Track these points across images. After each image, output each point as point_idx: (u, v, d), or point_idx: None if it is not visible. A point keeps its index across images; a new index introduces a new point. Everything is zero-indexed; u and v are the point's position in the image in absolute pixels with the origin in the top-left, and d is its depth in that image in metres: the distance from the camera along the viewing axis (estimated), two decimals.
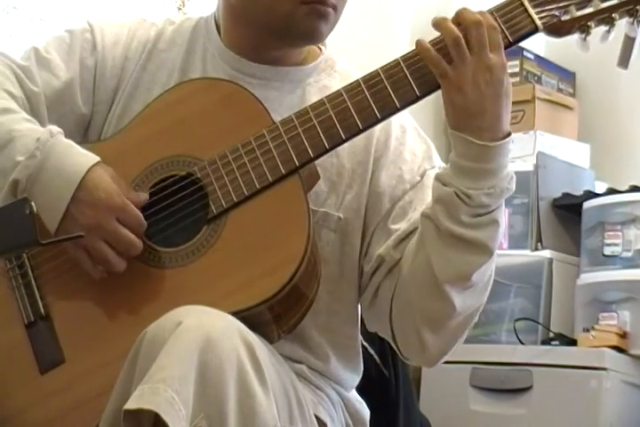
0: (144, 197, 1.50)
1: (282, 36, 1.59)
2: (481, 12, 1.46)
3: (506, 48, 1.47)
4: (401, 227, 1.56)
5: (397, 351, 1.60)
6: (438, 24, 1.46)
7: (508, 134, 1.47)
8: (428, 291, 1.49)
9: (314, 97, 1.59)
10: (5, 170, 1.48)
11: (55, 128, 1.51)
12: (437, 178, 1.49)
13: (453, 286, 1.48)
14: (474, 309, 1.53)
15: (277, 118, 1.52)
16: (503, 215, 1.49)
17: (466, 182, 1.45)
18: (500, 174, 1.46)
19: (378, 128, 1.58)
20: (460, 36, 1.44)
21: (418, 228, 1.53)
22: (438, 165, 1.64)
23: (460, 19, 1.45)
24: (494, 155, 1.45)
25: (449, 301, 1.48)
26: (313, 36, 1.58)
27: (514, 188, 1.49)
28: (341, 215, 1.58)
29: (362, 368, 1.69)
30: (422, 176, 1.61)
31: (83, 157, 1.49)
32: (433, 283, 1.48)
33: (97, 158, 1.49)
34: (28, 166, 1.47)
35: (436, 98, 1.50)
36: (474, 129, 1.45)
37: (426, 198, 1.57)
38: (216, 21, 1.68)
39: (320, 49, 1.70)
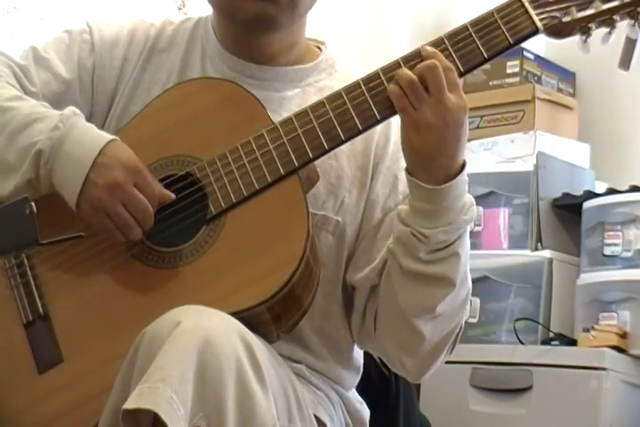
0: (167, 192, 1.50)
1: (238, 24, 1.59)
2: (433, 53, 1.44)
3: (506, 49, 1.47)
4: (386, 247, 1.56)
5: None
6: (397, 73, 1.45)
7: (464, 166, 1.46)
8: (396, 322, 1.52)
9: (314, 97, 1.59)
10: (25, 148, 1.49)
11: (77, 110, 1.53)
12: (398, 216, 1.50)
13: (419, 318, 1.50)
14: (448, 331, 1.54)
15: (277, 119, 1.52)
16: (466, 242, 1.50)
17: (422, 222, 1.46)
18: (455, 209, 1.46)
19: (377, 131, 1.58)
20: (414, 78, 1.43)
21: None
22: None
23: (417, 66, 1.44)
24: (447, 194, 1.46)
25: (417, 331, 1.51)
26: (264, 20, 1.56)
27: (474, 215, 1.49)
28: (340, 219, 1.58)
29: (361, 367, 1.69)
30: None
31: (104, 133, 1.51)
32: (400, 315, 1.50)
33: (118, 138, 1.50)
34: (52, 137, 1.48)
35: None
36: (428, 170, 1.45)
37: None
38: (212, 22, 1.68)
39: (320, 49, 1.70)
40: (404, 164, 1.58)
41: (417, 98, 1.43)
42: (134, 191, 1.46)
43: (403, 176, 1.58)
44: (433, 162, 1.44)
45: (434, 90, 1.42)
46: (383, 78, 1.48)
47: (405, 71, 1.44)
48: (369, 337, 1.60)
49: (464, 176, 1.47)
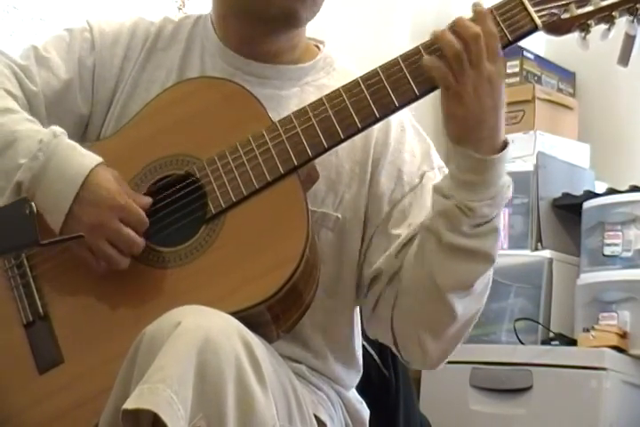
0: (147, 200, 1.50)
1: (262, 21, 1.59)
2: (480, 14, 1.44)
3: (505, 47, 1.47)
4: (401, 233, 1.56)
5: (399, 355, 1.60)
6: (438, 38, 1.45)
7: (505, 143, 1.47)
8: (429, 300, 1.50)
9: (312, 95, 1.59)
10: (8, 172, 1.48)
11: (58, 129, 1.51)
12: (437, 190, 1.49)
13: (456, 294, 1.49)
14: (473, 313, 1.54)
15: (276, 117, 1.52)
16: (502, 221, 1.50)
17: (467, 195, 1.46)
18: (499, 183, 1.47)
19: (377, 127, 1.57)
20: (461, 50, 1.42)
21: (418, 234, 1.53)
22: (437, 165, 1.63)
23: (458, 31, 1.44)
24: (493, 166, 1.45)
25: (451, 308, 1.49)
26: (291, 16, 1.57)
27: (511, 195, 1.50)
28: (340, 215, 1.58)
29: (361, 367, 1.69)
30: (421, 178, 1.61)
31: (85, 158, 1.50)
32: (435, 292, 1.49)
33: (100, 159, 1.49)
34: (32, 168, 1.47)
35: (435, 97, 1.50)
36: (473, 141, 1.45)
37: (425, 202, 1.57)
38: (212, 19, 1.68)
39: (318, 47, 1.70)
40: (406, 157, 1.59)
41: (460, 69, 1.43)
42: (119, 227, 1.46)
43: (406, 169, 1.59)
44: (477, 133, 1.44)
45: (476, 60, 1.42)
46: (382, 76, 1.47)
47: (453, 42, 1.43)
48: (380, 324, 1.58)
49: (508, 153, 1.47)
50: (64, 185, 1.46)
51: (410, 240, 1.55)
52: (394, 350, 1.60)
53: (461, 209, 1.45)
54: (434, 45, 1.46)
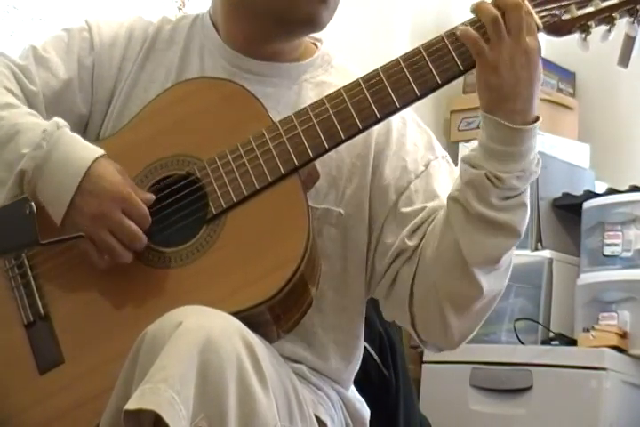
0: (150, 196, 1.50)
1: (283, 23, 1.59)
2: None
3: None
4: (412, 212, 1.56)
5: (415, 336, 1.59)
6: (476, 5, 1.46)
7: (537, 117, 1.47)
8: (455, 274, 1.49)
9: (311, 93, 1.60)
10: (11, 163, 1.48)
11: (61, 121, 1.52)
12: (466, 161, 1.49)
13: (482, 268, 1.48)
14: (497, 292, 1.53)
15: (275, 115, 1.52)
16: (529, 196, 1.50)
17: (497, 165, 1.45)
18: (528, 157, 1.46)
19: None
20: (499, 15, 1.43)
21: (433, 216, 1.53)
22: (441, 154, 1.64)
23: (498, 1, 1.44)
24: (525, 138, 1.45)
25: (477, 283, 1.48)
26: (314, 21, 1.58)
27: (539, 171, 1.49)
28: (342, 211, 1.58)
29: (359, 361, 1.68)
30: (427, 166, 1.61)
31: (89, 149, 1.50)
32: (461, 266, 1.48)
33: (102, 151, 1.49)
34: (35, 157, 1.47)
35: (435, 98, 1.50)
36: (506, 111, 1.45)
37: (432, 188, 1.58)
38: (211, 18, 1.68)
39: (316, 45, 1.70)
40: (409, 147, 1.58)
41: (497, 36, 1.43)
42: (121, 218, 1.46)
43: (410, 158, 1.59)
44: (510, 104, 1.44)
45: (515, 30, 1.43)
46: (383, 77, 1.47)
47: (490, 8, 1.44)
48: (397, 304, 1.57)
49: (538, 128, 1.46)
50: (66, 176, 1.46)
51: (424, 222, 1.55)
52: (410, 330, 1.58)
53: (490, 179, 1.45)
54: (434, 46, 1.46)
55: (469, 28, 1.45)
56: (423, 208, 1.56)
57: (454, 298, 1.51)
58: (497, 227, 1.46)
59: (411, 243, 1.54)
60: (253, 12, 1.60)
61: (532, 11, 1.45)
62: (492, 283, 1.50)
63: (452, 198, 1.50)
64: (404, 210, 1.57)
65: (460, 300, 1.51)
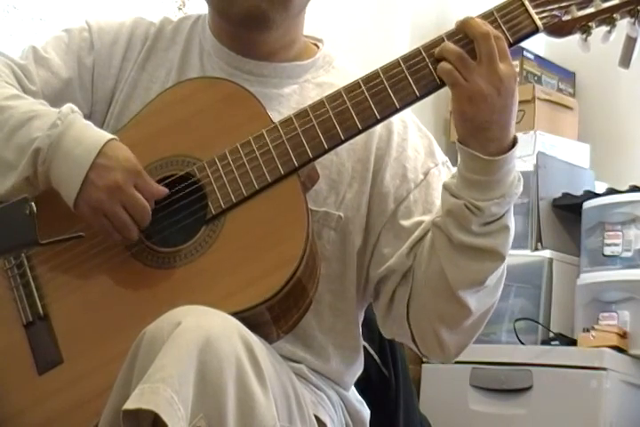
0: (164, 189, 1.50)
1: (228, 19, 1.59)
2: (483, 22, 1.45)
3: None
4: (411, 227, 1.56)
5: (417, 350, 1.61)
6: (441, 47, 1.46)
7: (514, 140, 1.47)
8: (442, 297, 1.50)
9: (311, 93, 1.60)
10: (22, 146, 1.49)
11: (75, 107, 1.53)
12: (446, 189, 1.49)
13: (467, 291, 1.49)
14: (489, 306, 1.54)
15: (276, 115, 1.52)
16: (512, 217, 1.50)
17: (475, 194, 1.46)
18: (507, 182, 1.47)
19: (378, 125, 1.57)
20: (460, 52, 1.44)
21: (428, 233, 1.53)
22: (441, 160, 1.64)
23: (467, 29, 1.45)
24: (502, 165, 1.46)
25: (464, 305, 1.50)
26: (253, 14, 1.55)
27: (521, 189, 1.50)
28: (342, 214, 1.58)
29: (362, 365, 1.69)
30: (426, 174, 1.61)
31: (102, 132, 1.52)
32: (447, 289, 1.49)
33: (114, 136, 1.50)
34: (50, 135, 1.48)
35: (436, 98, 1.50)
36: (481, 141, 1.45)
37: (431, 198, 1.58)
38: (208, 19, 1.68)
39: (317, 46, 1.70)
40: (410, 153, 1.58)
41: (468, 69, 1.43)
42: (134, 192, 1.46)
43: (411, 165, 1.59)
44: (486, 133, 1.44)
45: (486, 58, 1.43)
46: (383, 78, 1.47)
47: (451, 46, 1.45)
48: (396, 321, 1.58)
49: (516, 151, 1.46)
50: (81, 152, 1.47)
51: (420, 239, 1.55)
52: (412, 346, 1.60)
53: (470, 209, 1.46)
54: (433, 47, 1.46)
55: (446, 65, 1.45)
56: (420, 222, 1.56)
57: (444, 318, 1.53)
58: (479, 252, 1.48)
59: (409, 262, 1.55)
60: (216, 13, 1.63)
61: (501, 34, 1.44)
62: (481, 301, 1.52)
63: (435, 225, 1.51)
64: (403, 222, 1.57)
65: (450, 319, 1.53)
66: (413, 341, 1.58)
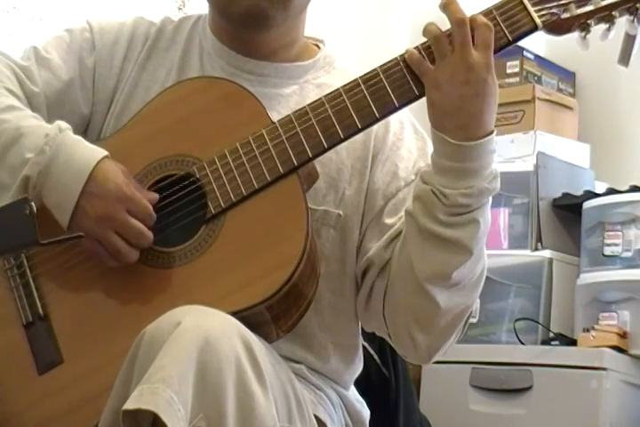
0: (154, 195, 1.50)
1: (228, 17, 1.59)
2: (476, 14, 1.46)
3: (505, 47, 1.47)
4: (394, 223, 1.56)
5: (395, 348, 1.61)
6: (425, 26, 1.47)
7: (491, 133, 1.46)
8: (411, 289, 1.49)
9: (312, 94, 1.60)
10: (15, 167, 1.48)
11: (63, 124, 1.51)
12: (420, 175, 1.50)
13: (434, 284, 1.48)
14: (463, 307, 1.52)
15: (276, 115, 1.52)
16: (487, 214, 1.49)
17: (443, 181, 1.45)
18: (480, 174, 1.46)
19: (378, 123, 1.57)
20: (440, 34, 1.44)
21: None
22: None
23: (446, 14, 1.46)
24: (471, 154, 1.45)
25: (432, 299, 1.48)
26: (253, 13, 1.56)
27: (497, 187, 1.48)
28: (341, 212, 1.58)
29: (362, 364, 1.69)
30: (417, 174, 1.61)
31: (91, 151, 1.50)
32: (414, 281, 1.48)
33: (105, 152, 1.49)
34: (38, 163, 1.47)
35: None
36: (449, 127, 1.45)
37: None
38: (209, 19, 1.68)
39: (318, 46, 1.70)
40: (403, 153, 1.59)
41: (439, 53, 1.44)
42: (127, 218, 1.46)
43: (403, 165, 1.59)
44: (454, 119, 1.44)
45: (458, 45, 1.43)
46: (382, 77, 1.48)
47: (433, 28, 1.46)
48: (374, 316, 1.58)
49: (491, 145, 1.46)
50: (70, 180, 1.46)
51: (399, 233, 1.54)
52: (390, 342, 1.60)
53: (436, 195, 1.45)
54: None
55: (414, 51, 1.46)
56: (401, 217, 1.56)
57: (415, 313, 1.51)
58: (444, 242, 1.46)
59: (386, 255, 1.55)
60: (217, 13, 1.62)
61: (491, 24, 1.44)
62: (452, 298, 1.50)
63: (407, 211, 1.51)
64: (388, 220, 1.57)
65: (419, 315, 1.51)
66: (390, 338, 1.58)
